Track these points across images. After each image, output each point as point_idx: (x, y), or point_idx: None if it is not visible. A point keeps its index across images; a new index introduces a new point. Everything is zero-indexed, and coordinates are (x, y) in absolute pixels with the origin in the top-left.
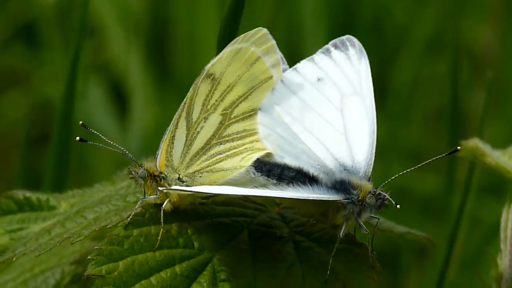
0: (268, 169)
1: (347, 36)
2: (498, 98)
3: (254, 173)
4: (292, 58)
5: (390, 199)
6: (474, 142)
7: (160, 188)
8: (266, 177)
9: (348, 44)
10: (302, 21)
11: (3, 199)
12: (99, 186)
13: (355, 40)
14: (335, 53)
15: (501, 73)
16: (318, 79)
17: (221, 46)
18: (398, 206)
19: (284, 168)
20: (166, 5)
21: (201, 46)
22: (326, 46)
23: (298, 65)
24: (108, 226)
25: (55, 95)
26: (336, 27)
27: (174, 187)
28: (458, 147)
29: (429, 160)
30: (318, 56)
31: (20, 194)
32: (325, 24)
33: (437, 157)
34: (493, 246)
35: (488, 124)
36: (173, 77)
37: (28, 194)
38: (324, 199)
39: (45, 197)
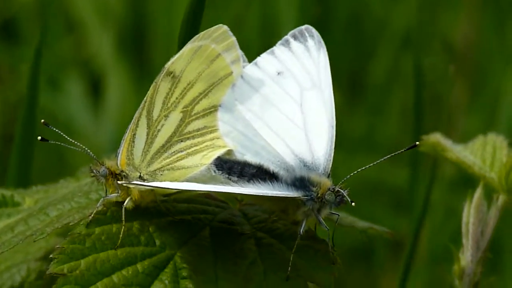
0: (229, 166)
1: (306, 26)
2: (476, 89)
3: (215, 171)
4: None
5: (347, 197)
6: (435, 137)
7: (119, 182)
8: (227, 175)
9: (307, 35)
10: (278, 15)
11: None
12: (64, 182)
13: (313, 30)
14: (294, 44)
15: (479, 64)
16: (278, 73)
17: (182, 43)
18: (353, 203)
19: (245, 165)
20: (144, 0)
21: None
22: (286, 37)
23: (258, 59)
24: (70, 224)
25: None
26: (312, 22)
27: (135, 182)
28: (417, 142)
29: (389, 156)
30: (278, 48)
31: None
32: (301, 18)
33: (398, 152)
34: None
35: (467, 116)
36: (150, 71)
37: None
38: (283, 195)
39: (9, 193)
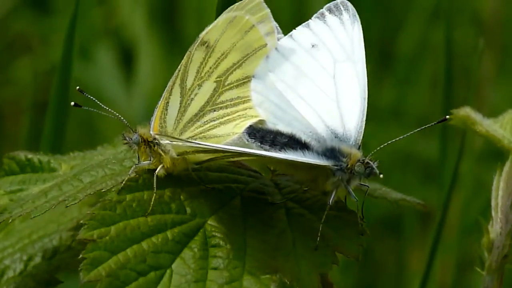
0: (261, 135)
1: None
2: (504, 62)
3: (247, 140)
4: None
5: (376, 169)
6: (465, 111)
7: (156, 135)
8: (259, 144)
9: (342, 8)
10: None
11: (5, 160)
12: (101, 149)
13: (348, 4)
14: (329, 17)
15: (508, 38)
16: (312, 45)
17: (219, 13)
18: (381, 175)
19: (277, 134)
20: None
21: (210, 12)
22: (321, 10)
23: (293, 32)
24: (103, 190)
25: None
26: None
27: (170, 141)
28: (447, 116)
29: (419, 129)
30: (313, 22)
31: (22, 155)
32: None
33: (428, 125)
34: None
35: (494, 89)
36: (181, 42)
37: (30, 155)
38: (313, 163)
39: (46, 158)
